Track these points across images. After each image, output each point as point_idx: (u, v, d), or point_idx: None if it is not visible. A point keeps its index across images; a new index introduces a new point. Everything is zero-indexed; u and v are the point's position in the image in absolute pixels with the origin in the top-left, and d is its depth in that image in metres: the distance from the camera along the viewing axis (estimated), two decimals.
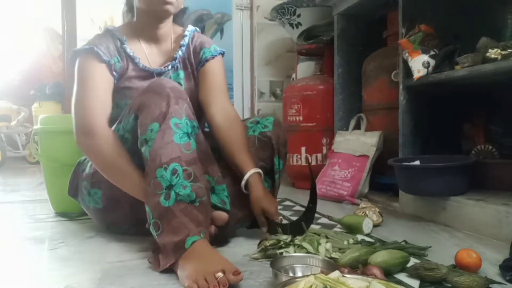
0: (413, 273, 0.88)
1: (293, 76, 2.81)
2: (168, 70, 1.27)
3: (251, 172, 1.15)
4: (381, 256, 0.91)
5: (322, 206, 1.61)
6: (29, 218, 1.55)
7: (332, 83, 2.24)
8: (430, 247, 1.09)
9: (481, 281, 0.81)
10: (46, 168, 1.63)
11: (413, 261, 0.96)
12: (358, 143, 1.93)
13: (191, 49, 1.32)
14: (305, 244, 1.03)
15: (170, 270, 0.91)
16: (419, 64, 1.49)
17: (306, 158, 1.00)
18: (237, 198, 1.19)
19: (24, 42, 4.66)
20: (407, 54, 1.54)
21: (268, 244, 1.05)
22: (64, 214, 1.60)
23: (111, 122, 1.16)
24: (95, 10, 4.82)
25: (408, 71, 1.56)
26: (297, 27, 2.58)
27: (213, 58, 1.31)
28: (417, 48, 1.50)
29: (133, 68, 1.23)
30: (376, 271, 0.83)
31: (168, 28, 1.28)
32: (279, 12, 2.60)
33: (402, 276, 0.90)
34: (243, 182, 1.15)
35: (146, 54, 1.26)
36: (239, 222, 1.21)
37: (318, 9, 2.48)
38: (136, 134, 1.05)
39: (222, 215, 1.08)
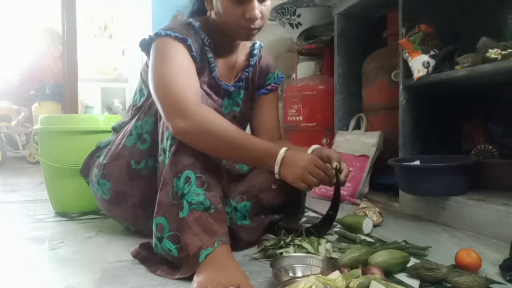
0: (413, 273, 0.88)
1: (293, 76, 2.81)
2: (234, 89, 1.23)
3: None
4: (381, 256, 0.91)
5: (322, 206, 1.61)
6: (29, 218, 1.55)
7: (332, 83, 2.24)
8: (430, 247, 1.09)
9: (481, 281, 0.81)
10: (46, 168, 1.63)
11: (413, 261, 0.96)
12: (358, 143, 1.93)
13: (257, 70, 1.28)
14: (305, 244, 1.03)
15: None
16: (419, 64, 1.49)
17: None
18: (256, 215, 1.21)
19: (24, 42, 4.66)
20: (407, 54, 1.54)
21: (268, 244, 1.05)
22: (64, 214, 1.60)
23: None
24: (95, 10, 4.83)
25: (408, 71, 1.56)
26: (297, 27, 2.58)
27: (276, 86, 1.32)
28: (417, 48, 1.50)
29: (207, 74, 1.15)
30: (376, 271, 0.83)
31: (238, 42, 1.22)
32: (279, 12, 2.60)
33: (402, 276, 0.90)
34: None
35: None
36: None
37: (318, 9, 2.48)
38: (155, 137, 1.05)
39: None
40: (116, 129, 1.29)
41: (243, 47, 1.26)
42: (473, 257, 0.90)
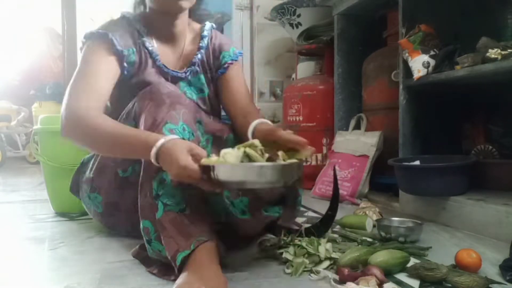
0: (413, 273, 0.88)
1: (293, 76, 2.82)
2: (187, 75, 1.21)
3: (258, 120, 1.06)
4: (381, 256, 0.91)
5: (322, 206, 1.61)
6: (29, 218, 1.55)
7: (332, 83, 2.24)
8: (430, 247, 1.09)
9: (481, 281, 0.81)
10: (46, 168, 1.63)
11: (413, 261, 0.96)
12: (358, 143, 1.93)
13: (210, 51, 1.25)
14: (305, 244, 1.03)
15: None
16: (419, 64, 1.49)
17: (333, 167, 1.07)
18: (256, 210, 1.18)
19: (24, 42, 4.66)
20: (407, 54, 1.54)
21: (268, 244, 1.05)
22: (64, 214, 1.60)
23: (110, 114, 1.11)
24: (95, 10, 4.83)
25: (408, 71, 1.56)
26: (297, 27, 2.58)
27: (232, 63, 1.25)
28: (417, 48, 1.50)
29: (152, 64, 1.15)
30: (376, 271, 0.83)
31: (183, 26, 1.19)
32: (279, 12, 2.60)
33: (402, 276, 0.90)
34: (250, 129, 1.04)
35: (160, 53, 1.17)
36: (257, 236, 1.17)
37: (318, 9, 2.48)
38: None
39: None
40: None
41: (191, 31, 1.23)
42: (473, 257, 0.90)
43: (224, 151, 0.82)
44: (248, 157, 0.81)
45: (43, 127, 1.61)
